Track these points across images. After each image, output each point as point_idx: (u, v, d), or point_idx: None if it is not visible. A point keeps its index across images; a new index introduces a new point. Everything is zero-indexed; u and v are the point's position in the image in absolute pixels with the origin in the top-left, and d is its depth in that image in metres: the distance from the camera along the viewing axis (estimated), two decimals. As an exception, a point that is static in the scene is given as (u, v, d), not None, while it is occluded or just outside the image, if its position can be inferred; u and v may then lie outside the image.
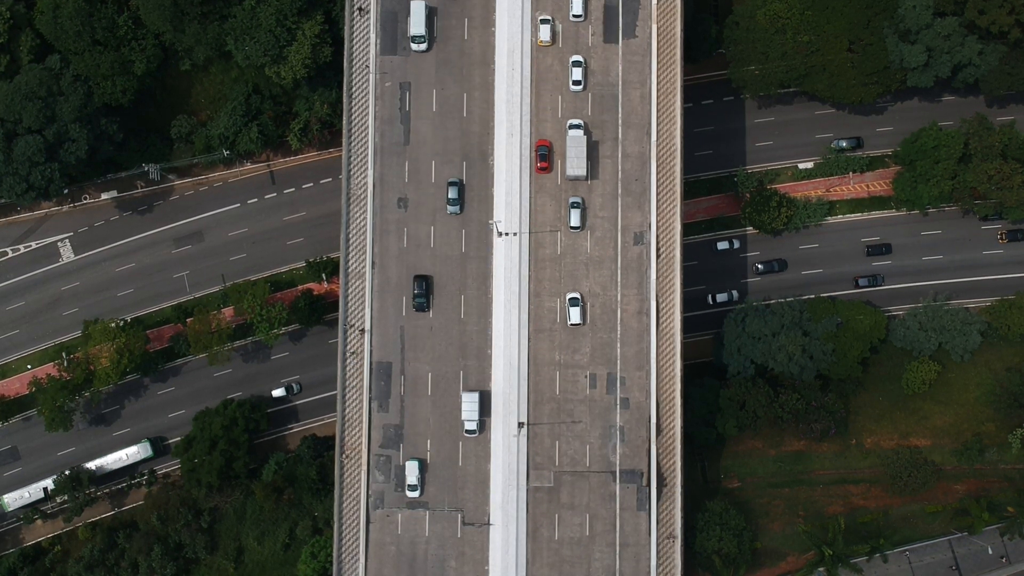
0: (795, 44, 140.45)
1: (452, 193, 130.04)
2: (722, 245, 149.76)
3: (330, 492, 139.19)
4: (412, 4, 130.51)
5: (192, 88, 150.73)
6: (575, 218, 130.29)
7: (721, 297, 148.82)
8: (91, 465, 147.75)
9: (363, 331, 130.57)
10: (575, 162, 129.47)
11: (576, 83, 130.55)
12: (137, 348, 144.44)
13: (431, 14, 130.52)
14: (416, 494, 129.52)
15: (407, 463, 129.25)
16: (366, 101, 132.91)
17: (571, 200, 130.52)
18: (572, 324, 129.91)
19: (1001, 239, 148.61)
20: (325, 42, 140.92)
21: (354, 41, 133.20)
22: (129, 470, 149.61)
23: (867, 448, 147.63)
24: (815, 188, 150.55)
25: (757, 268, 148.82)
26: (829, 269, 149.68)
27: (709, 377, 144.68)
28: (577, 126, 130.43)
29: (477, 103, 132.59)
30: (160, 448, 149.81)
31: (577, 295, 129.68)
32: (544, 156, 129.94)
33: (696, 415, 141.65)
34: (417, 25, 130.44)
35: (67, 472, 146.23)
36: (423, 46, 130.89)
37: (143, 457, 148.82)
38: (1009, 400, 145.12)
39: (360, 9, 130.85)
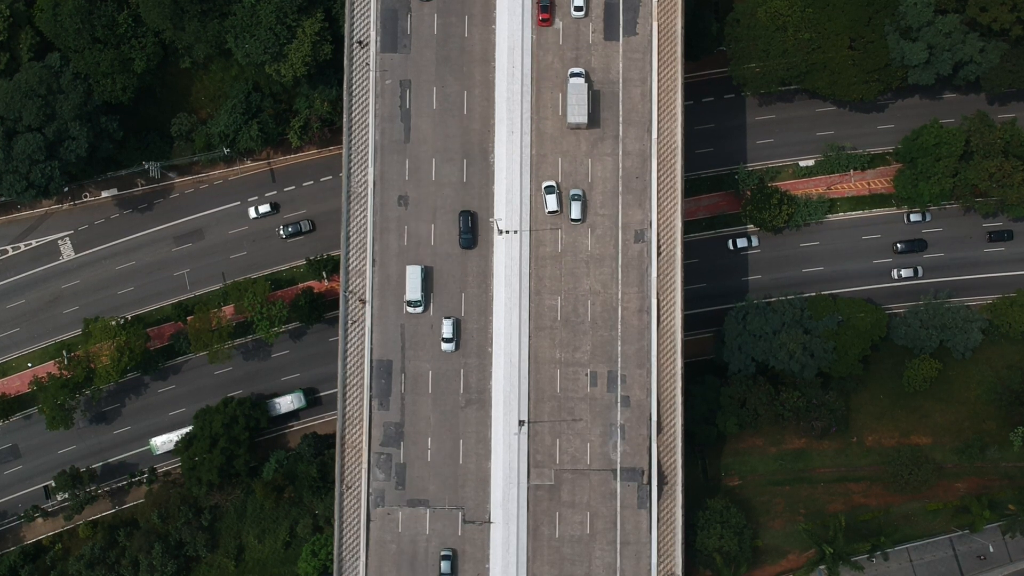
0: (796, 41, 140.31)
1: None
2: (741, 243, 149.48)
3: (331, 490, 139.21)
4: (408, 268, 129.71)
5: (192, 86, 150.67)
6: (576, 210, 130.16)
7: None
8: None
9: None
10: (576, 109, 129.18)
11: (571, 216, 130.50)
12: (137, 346, 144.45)
13: (427, 275, 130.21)
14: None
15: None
16: (366, 99, 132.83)
17: (572, 192, 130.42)
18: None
19: (894, 249, 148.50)
20: (325, 40, 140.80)
21: (354, 39, 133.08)
22: (287, 418, 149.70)
23: (868, 446, 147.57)
24: (816, 186, 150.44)
25: (897, 248, 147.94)
26: (830, 267, 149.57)
27: (710, 375, 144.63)
28: (578, 74, 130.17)
29: (478, 101, 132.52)
30: (312, 400, 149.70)
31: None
32: (545, 8, 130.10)
33: (697, 413, 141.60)
34: (414, 291, 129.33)
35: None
36: (419, 309, 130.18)
37: (297, 407, 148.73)
38: (1010, 398, 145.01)
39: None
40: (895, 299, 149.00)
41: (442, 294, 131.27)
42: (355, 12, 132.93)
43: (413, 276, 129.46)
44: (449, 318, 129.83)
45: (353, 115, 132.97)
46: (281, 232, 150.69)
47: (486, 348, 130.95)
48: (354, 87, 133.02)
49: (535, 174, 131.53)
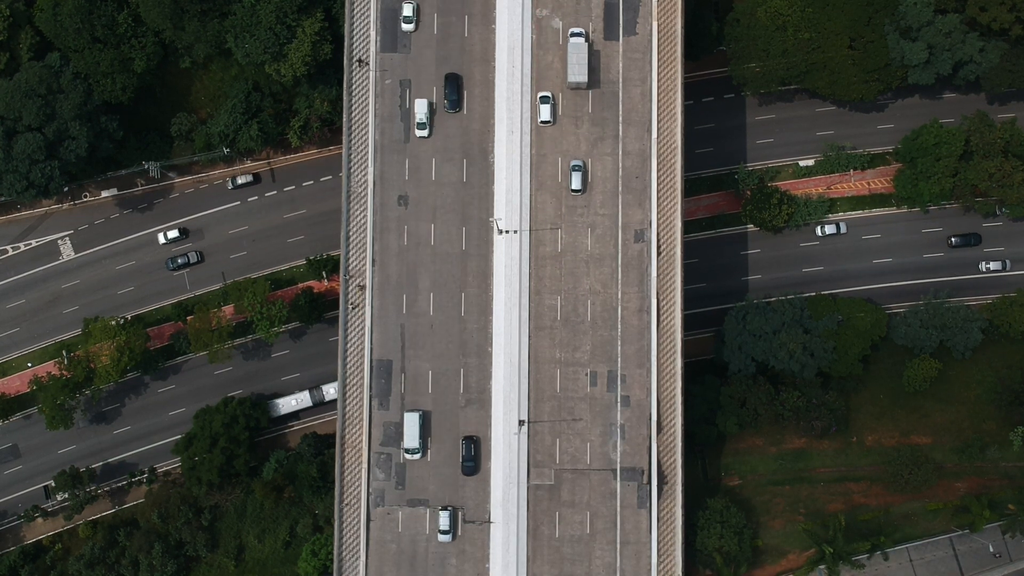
0: (796, 41, 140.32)
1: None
2: (829, 229, 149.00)
3: (331, 490, 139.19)
4: (406, 416, 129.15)
5: (192, 86, 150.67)
6: (576, 181, 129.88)
7: (829, 229, 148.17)
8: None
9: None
10: (576, 68, 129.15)
11: (576, 191, 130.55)
12: (137, 346, 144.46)
13: (425, 421, 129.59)
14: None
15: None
16: (366, 98, 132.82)
17: (572, 163, 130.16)
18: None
19: (949, 244, 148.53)
20: (325, 39, 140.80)
21: (354, 39, 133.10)
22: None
23: (868, 446, 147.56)
24: (816, 185, 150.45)
25: (951, 242, 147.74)
26: (830, 266, 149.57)
27: (710, 375, 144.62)
28: (578, 34, 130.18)
29: (477, 100, 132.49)
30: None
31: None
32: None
33: (697, 413, 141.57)
34: (412, 438, 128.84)
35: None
36: (417, 456, 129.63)
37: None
38: (1010, 397, 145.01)
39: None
40: (895, 299, 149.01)
41: (442, 294, 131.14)
42: (355, 12, 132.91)
43: (411, 424, 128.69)
44: (446, 509, 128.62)
45: (353, 115, 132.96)
46: (168, 264, 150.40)
47: (486, 348, 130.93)
48: (354, 87, 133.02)
49: (535, 174, 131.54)
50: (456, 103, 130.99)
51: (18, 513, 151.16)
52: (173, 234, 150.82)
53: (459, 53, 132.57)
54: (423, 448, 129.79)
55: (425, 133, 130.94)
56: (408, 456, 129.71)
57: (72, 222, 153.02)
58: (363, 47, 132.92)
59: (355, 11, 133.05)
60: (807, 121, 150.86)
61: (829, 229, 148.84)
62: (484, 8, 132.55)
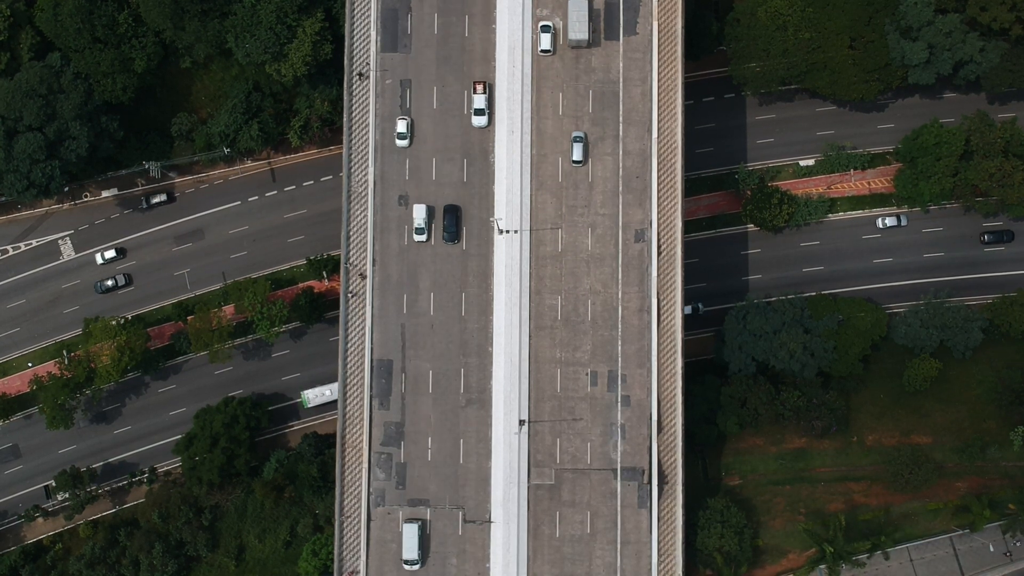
0: (796, 41, 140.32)
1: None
2: (890, 221, 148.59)
3: (331, 490, 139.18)
4: (404, 527, 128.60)
5: (192, 86, 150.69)
6: (577, 152, 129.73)
7: (890, 221, 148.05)
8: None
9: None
10: (577, 26, 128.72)
11: (577, 162, 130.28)
12: (138, 346, 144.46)
13: (424, 530, 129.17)
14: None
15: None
16: (367, 98, 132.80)
17: (574, 134, 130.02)
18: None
19: (981, 240, 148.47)
20: (326, 39, 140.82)
21: (355, 39, 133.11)
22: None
23: (868, 445, 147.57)
24: (816, 185, 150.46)
25: (984, 239, 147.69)
26: (830, 266, 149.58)
27: (710, 374, 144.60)
28: None
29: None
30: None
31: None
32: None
33: (697, 412, 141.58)
34: (411, 550, 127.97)
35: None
36: (416, 567, 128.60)
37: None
38: (1010, 397, 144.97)
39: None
40: (895, 299, 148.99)
41: (442, 293, 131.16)
42: (355, 12, 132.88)
43: (410, 536, 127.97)
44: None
45: (353, 115, 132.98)
46: (97, 288, 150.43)
47: (486, 348, 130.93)
48: (354, 87, 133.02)
49: (535, 173, 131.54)
50: (456, 234, 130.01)
51: (18, 513, 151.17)
52: (110, 254, 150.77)
53: (459, 53, 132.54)
54: (423, 560, 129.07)
55: (423, 238, 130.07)
56: (407, 568, 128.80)
57: (72, 222, 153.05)
58: (363, 47, 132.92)
59: (355, 11, 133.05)
60: (807, 121, 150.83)
61: (890, 221, 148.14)
62: (484, 8, 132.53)
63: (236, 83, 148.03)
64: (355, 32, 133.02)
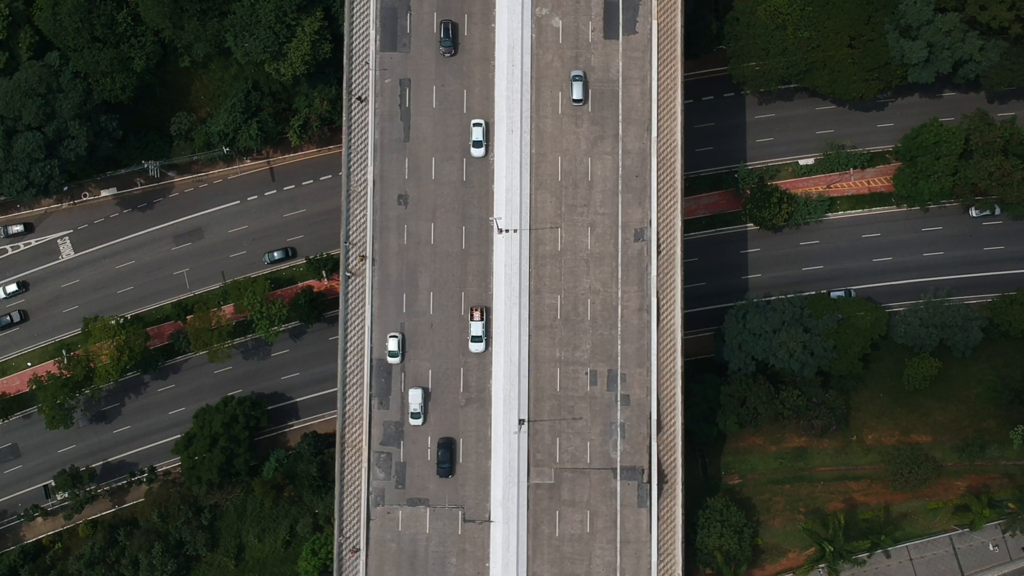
0: (796, 40, 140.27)
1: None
2: (979, 212, 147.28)
3: (331, 489, 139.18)
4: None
5: (192, 85, 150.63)
6: (577, 91, 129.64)
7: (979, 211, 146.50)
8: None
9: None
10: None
11: (577, 101, 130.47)
12: (137, 345, 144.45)
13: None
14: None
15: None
16: (366, 103, 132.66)
17: (573, 73, 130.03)
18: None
19: None
20: (325, 38, 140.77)
21: (354, 38, 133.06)
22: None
23: (868, 444, 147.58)
24: (816, 184, 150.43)
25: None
26: (830, 265, 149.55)
27: (710, 373, 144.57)
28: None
29: (477, 99, 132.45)
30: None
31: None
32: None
33: (697, 412, 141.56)
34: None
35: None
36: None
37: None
38: (1010, 396, 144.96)
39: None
40: (896, 297, 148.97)
41: (442, 293, 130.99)
42: (354, 11, 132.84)
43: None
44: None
45: (353, 114, 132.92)
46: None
47: (486, 347, 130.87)
48: (354, 86, 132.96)
49: (535, 173, 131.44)
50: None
51: (18, 512, 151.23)
52: (12, 288, 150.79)
53: (459, 52, 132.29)
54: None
55: (419, 423, 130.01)
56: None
57: (72, 221, 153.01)
58: (362, 46, 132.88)
59: (354, 10, 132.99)
60: (807, 120, 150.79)
61: (980, 212, 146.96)
62: (484, 7, 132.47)
63: (235, 82, 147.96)
64: (354, 31, 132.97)
